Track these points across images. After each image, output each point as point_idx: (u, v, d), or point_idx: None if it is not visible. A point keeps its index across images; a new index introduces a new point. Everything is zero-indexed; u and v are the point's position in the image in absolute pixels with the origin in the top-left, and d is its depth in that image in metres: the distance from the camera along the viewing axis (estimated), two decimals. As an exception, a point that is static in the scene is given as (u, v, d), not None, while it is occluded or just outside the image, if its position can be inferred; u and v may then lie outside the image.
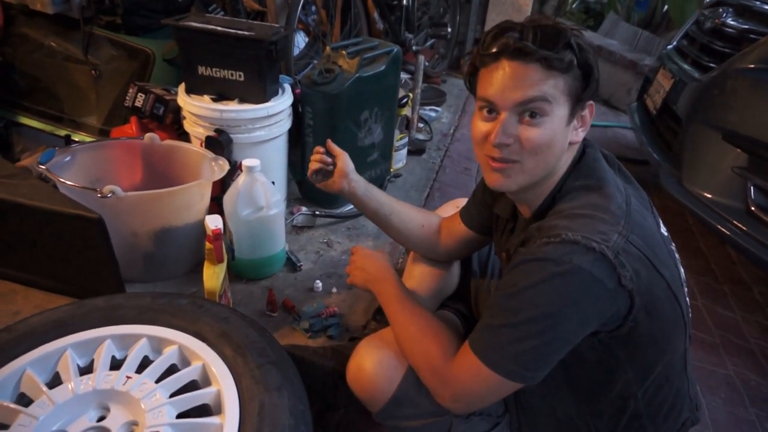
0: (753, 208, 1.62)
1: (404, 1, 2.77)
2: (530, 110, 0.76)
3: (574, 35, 0.76)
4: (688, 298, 0.91)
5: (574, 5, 5.12)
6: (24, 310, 1.25)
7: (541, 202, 0.86)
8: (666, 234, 0.89)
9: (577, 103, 0.78)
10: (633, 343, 0.81)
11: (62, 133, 1.98)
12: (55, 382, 0.86)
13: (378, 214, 1.18)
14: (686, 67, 2.13)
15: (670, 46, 2.46)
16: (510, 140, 0.78)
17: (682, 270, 0.91)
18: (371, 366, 0.93)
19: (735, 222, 1.64)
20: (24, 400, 0.83)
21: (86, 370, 0.90)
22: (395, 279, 1.02)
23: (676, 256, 0.90)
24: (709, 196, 1.74)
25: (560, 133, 0.79)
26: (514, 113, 0.77)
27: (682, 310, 0.85)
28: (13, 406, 0.80)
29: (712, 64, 1.96)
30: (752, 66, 1.73)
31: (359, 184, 1.16)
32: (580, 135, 0.82)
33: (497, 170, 0.81)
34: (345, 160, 1.16)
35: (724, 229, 1.65)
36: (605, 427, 0.91)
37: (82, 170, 1.39)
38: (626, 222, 0.77)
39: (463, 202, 1.22)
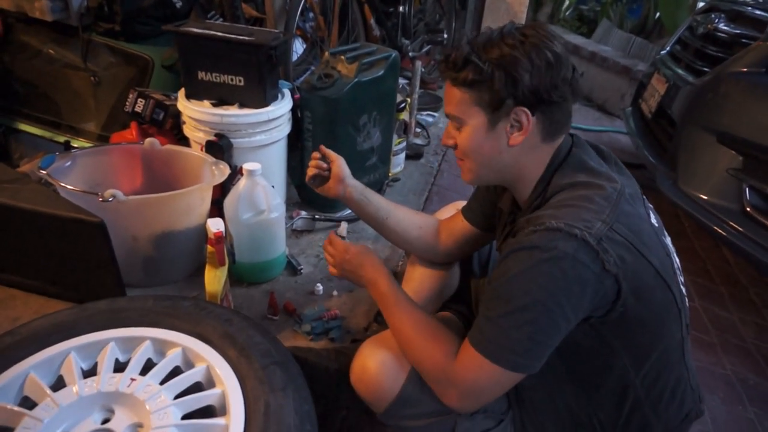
0: (748, 209, 1.64)
1: (401, 8, 2.79)
2: (455, 120, 0.90)
3: (480, 55, 0.83)
4: (684, 288, 0.93)
5: (567, 13, 5.18)
6: (23, 315, 1.24)
7: (529, 195, 0.92)
8: (657, 225, 0.91)
9: (494, 111, 0.85)
10: (625, 329, 0.83)
11: (61, 139, 1.98)
12: (58, 385, 0.86)
13: (375, 218, 1.20)
14: (680, 71, 2.16)
15: (663, 52, 2.49)
16: (450, 141, 0.93)
17: (676, 260, 0.93)
18: (375, 366, 0.94)
19: (731, 223, 1.66)
20: (28, 404, 0.83)
21: (89, 373, 0.89)
22: (387, 280, 0.99)
23: (670, 246, 0.93)
24: (705, 197, 1.76)
25: (484, 138, 0.88)
26: (453, 122, 0.91)
27: (674, 296, 0.87)
28: (17, 409, 0.80)
29: (705, 69, 1.99)
30: (745, 69, 1.76)
31: (356, 188, 1.19)
32: (517, 138, 0.86)
33: (460, 167, 0.96)
34: (340, 165, 1.19)
35: (720, 230, 1.67)
36: (608, 418, 0.91)
37: (82, 175, 1.38)
38: (611, 211, 0.80)
39: (461, 204, 1.23)
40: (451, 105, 0.90)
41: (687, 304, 0.94)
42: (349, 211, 1.84)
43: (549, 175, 0.89)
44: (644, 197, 0.94)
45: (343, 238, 1.09)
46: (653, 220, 0.91)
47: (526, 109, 0.83)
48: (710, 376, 1.56)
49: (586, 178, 0.85)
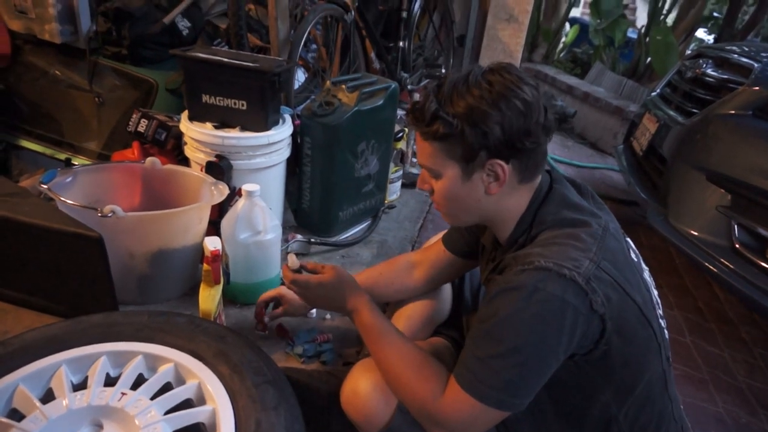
0: (737, 246, 1.66)
1: (401, 43, 2.88)
2: (430, 172, 0.90)
3: (447, 109, 0.81)
4: (663, 321, 0.93)
5: (561, 54, 5.34)
6: (14, 330, 1.23)
7: (510, 234, 0.92)
8: (636, 260, 0.92)
9: (468, 163, 0.84)
10: (608, 366, 0.84)
11: (61, 156, 2.00)
12: (48, 398, 0.85)
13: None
14: (670, 112, 2.22)
15: (654, 93, 2.57)
16: (426, 187, 0.93)
17: (655, 293, 0.94)
18: (366, 389, 0.93)
19: (721, 259, 1.68)
20: (16, 416, 0.82)
21: (80, 387, 0.89)
22: (369, 310, 0.98)
23: (649, 280, 0.94)
24: (695, 233, 1.79)
25: (460, 188, 0.87)
26: (428, 172, 0.91)
27: (654, 333, 0.87)
28: (5, 420, 0.79)
29: (694, 110, 2.05)
30: (732, 112, 1.82)
31: None
32: (495, 188, 0.86)
33: (439, 211, 0.96)
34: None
35: (710, 266, 1.69)
36: None
37: (82, 191, 1.40)
38: (598, 248, 0.80)
39: None
40: (423, 157, 0.89)
41: (667, 337, 0.94)
42: (345, 235, 1.86)
43: (532, 213, 0.89)
44: (623, 232, 0.95)
45: (299, 270, 1.06)
46: (632, 255, 0.91)
47: (500, 161, 0.83)
48: (703, 414, 1.55)
49: (571, 215, 0.86)
